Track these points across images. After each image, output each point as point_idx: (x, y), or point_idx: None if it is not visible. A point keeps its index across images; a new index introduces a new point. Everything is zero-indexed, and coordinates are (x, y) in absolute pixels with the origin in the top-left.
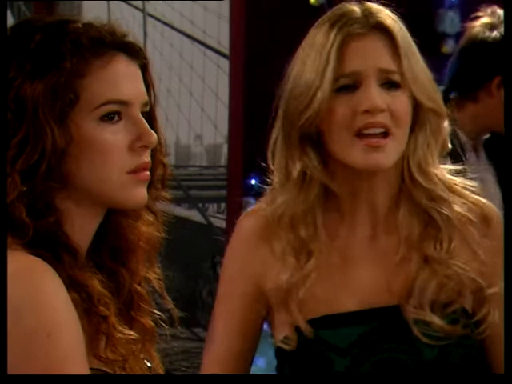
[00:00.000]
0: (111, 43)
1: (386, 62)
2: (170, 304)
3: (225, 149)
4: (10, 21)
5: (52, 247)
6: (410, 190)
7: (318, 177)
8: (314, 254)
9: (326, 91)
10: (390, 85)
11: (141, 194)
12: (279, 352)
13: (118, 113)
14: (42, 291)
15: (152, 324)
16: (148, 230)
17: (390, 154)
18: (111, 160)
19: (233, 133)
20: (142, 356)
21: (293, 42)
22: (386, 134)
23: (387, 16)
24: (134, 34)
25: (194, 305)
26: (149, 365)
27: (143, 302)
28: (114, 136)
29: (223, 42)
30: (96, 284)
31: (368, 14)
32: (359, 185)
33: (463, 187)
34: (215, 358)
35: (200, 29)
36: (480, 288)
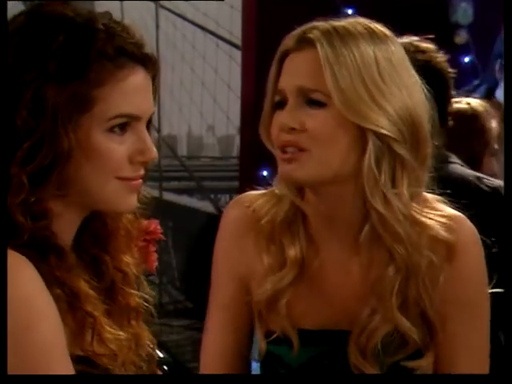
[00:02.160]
0: (132, 55)
1: (306, 80)
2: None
3: (237, 140)
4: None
5: (39, 247)
6: (371, 215)
7: (282, 190)
8: (292, 266)
9: (266, 106)
10: (313, 103)
11: (132, 200)
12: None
13: (126, 124)
14: (19, 285)
15: (137, 301)
16: (127, 222)
17: (303, 168)
18: (112, 168)
19: (245, 124)
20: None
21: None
22: (303, 150)
23: (322, 30)
24: (147, 26)
25: (205, 296)
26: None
27: (125, 284)
28: (119, 146)
29: (235, 33)
30: (82, 285)
31: (307, 30)
32: (313, 200)
33: (434, 213)
34: (212, 351)
35: (212, 20)
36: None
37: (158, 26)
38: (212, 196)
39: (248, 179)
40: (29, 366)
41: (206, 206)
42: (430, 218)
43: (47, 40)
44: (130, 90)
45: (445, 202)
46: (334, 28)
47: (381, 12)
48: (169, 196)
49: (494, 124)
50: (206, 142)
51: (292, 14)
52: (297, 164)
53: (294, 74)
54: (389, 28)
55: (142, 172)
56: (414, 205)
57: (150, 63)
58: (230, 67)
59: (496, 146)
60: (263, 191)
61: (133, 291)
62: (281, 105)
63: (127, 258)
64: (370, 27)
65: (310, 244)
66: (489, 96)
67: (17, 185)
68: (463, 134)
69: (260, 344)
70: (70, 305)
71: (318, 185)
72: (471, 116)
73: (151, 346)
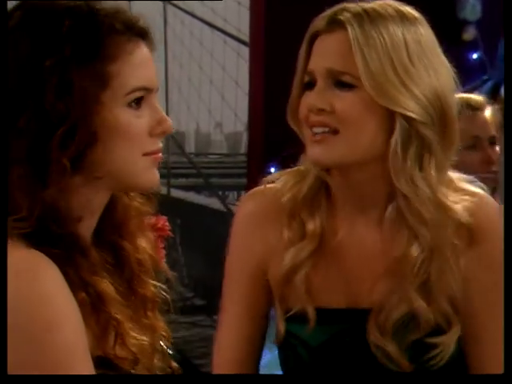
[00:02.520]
0: (135, 29)
1: (335, 62)
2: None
3: (245, 137)
4: None
5: (65, 247)
6: (397, 195)
7: (310, 167)
8: (311, 238)
9: (295, 86)
10: (342, 85)
11: (156, 175)
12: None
13: (142, 98)
14: (41, 286)
15: (153, 291)
16: (137, 205)
17: (333, 150)
18: (135, 144)
19: (253, 121)
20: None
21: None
22: (334, 131)
23: (353, 12)
24: (155, 21)
25: (214, 292)
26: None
27: (143, 272)
28: (138, 120)
29: (243, 29)
30: (107, 287)
31: (337, 12)
32: (340, 180)
33: (458, 195)
34: (226, 343)
35: (220, 17)
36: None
37: (166, 23)
38: (220, 193)
39: (256, 176)
40: (51, 367)
41: (214, 203)
42: (455, 202)
43: (54, 27)
44: (140, 63)
45: (469, 182)
46: (364, 10)
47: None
48: (177, 193)
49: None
50: (214, 139)
51: (300, 10)
52: (326, 146)
53: (324, 55)
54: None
55: (160, 145)
56: (440, 187)
57: (149, 37)
58: (237, 64)
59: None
60: (288, 170)
61: (150, 280)
62: (310, 86)
63: (143, 243)
64: (399, 9)
65: (331, 220)
66: (495, 92)
67: (58, 171)
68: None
69: (278, 325)
70: (93, 307)
71: (346, 167)
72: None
73: (167, 337)
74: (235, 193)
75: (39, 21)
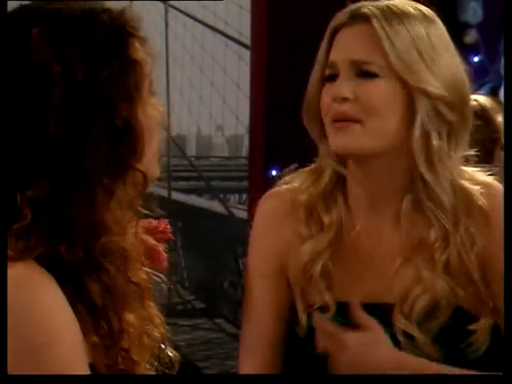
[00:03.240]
0: (136, 26)
1: (359, 53)
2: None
3: (246, 140)
4: None
5: (77, 277)
6: (415, 183)
7: (326, 162)
8: (328, 229)
9: (314, 79)
10: (365, 75)
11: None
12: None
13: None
14: (38, 300)
15: (143, 278)
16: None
17: (357, 138)
18: (157, 140)
19: (254, 124)
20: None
21: (314, 32)
22: (357, 121)
23: (376, 7)
24: (156, 24)
25: (216, 296)
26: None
27: (134, 261)
28: (155, 111)
29: (245, 32)
30: (129, 321)
31: (360, 6)
32: (357, 172)
33: (475, 185)
34: (252, 342)
35: (222, 20)
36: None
37: (167, 26)
38: (221, 196)
39: (257, 179)
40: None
41: (215, 206)
42: (470, 185)
43: (97, 39)
44: (147, 58)
45: (478, 171)
46: (386, 6)
47: None
48: (178, 196)
49: (500, 118)
50: (215, 142)
51: (301, 13)
52: (349, 135)
53: (347, 48)
54: None
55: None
56: (456, 170)
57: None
58: (239, 67)
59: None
60: (303, 169)
61: (141, 268)
62: (331, 78)
63: (130, 229)
64: (418, 8)
65: (348, 214)
66: (493, 94)
67: (136, 177)
68: (473, 130)
69: (301, 319)
70: (93, 323)
71: (366, 157)
72: (479, 112)
73: (161, 324)
74: (236, 196)
75: (79, 34)
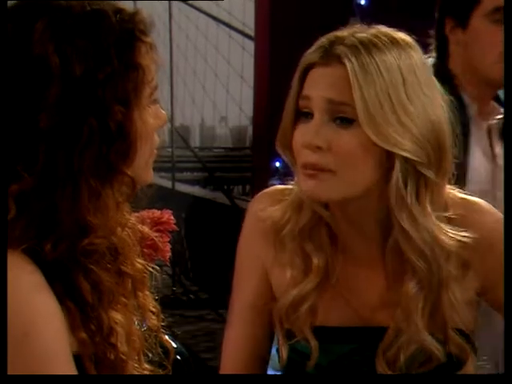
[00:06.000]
0: (145, 31)
1: (335, 93)
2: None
3: (250, 130)
4: None
5: (72, 289)
6: (395, 229)
7: (306, 200)
8: (316, 273)
9: (288, 111)
10: (341, 120)
11: (152, 170)
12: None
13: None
14: (17, 289)
15: (140, 269)
16: None
17: (327, 187)
18: (152, 141)
19: (258, 114)
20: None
21: (317, 24)
22: (328, 171)
23: (350, 44)
24: (160, 16)
25: (219, 286)
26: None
27: (128, 251)
28: (153, 118)
29: (248, 23)
30: (116, 319)
31: (332, 44)
32: (338, 214)
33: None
34: (233, 344)
35: (225, 10)
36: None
37: (171, 17)
38: (225, 187)
39: (261, 170)
40: (31, 371)
41: (219, 197)
42: (451, 236)
43: (99, 37)
44: (152, 61)
45: (460, 191)
46: (360, 42)
47: (393, 2)
48: (181, 187)
49: None
50: (219, 133)
51: (305, 5)
52: (320, 183)
53: (321, 86)
54: (401, 19)
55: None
56: (435, 221)
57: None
58: (242, 58)
59: None
60: (282, 192)
61: (136, 258)
62: (306, 115)
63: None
64: (393, 37)
65: (334, 251)
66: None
67: (122, 180)
68: None
69: (281, 350)
70: (82, 318)
71: (341, 202)
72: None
73: (156, 313)
74: (240, 187)
75: (84, 31)
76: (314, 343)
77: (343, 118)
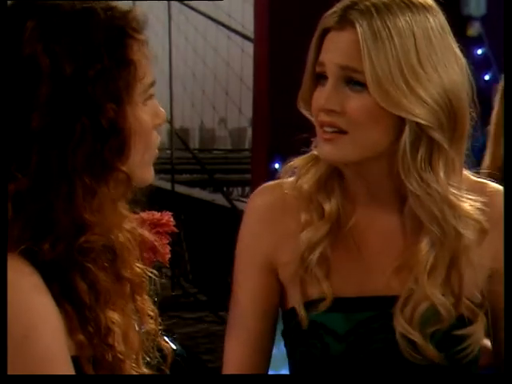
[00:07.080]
0: (138, 28)
1: (348, 58)
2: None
3: (249, 132)
4: None
5: (69, 290)
6: (407, 193)
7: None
8: (327, 218)
9: (306, 77)
10: (353, 83)
11: (152, 170)
12: (285, 332)
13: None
14: (16, 291)
15: (139, 273)
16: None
17: (342, 149)
18: (154, 142)
19: (257, 116)
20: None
21: (317, 26)
22: (345, 132)
23: (364, 10)
24: (159, 17)
25: (218, 288)
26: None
27: (127, 255)
28: (148, 116)
29: (248, 25)
30: (113, 319)
31: (348, 6)
32: (354, 172)
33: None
34: (236, 340)
35: (224, 12)
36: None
37: (170, 19)
38: (224, 189)
39: (260, 172)
40: (30, 372)
41: (218, 199)
42: (466, 200)
43: (89, 35)
44: (148, 59)
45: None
46: (373, 5)
47: None
48: (181, 189)
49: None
50: (218, 135)
51: (304, 6)
52: (335, 145)
53: (335, 52)
54: None
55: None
56: (450, 187)
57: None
58: (242, 60)
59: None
60: (282, 186)
61: (135, 262)
62: (322, 78)
63: (126, 225)
64: (410, 0)
65: (347, 204)
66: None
67: (117, 178)
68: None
69: (300, 314)
70: (80, 320)
71: (355, 164)
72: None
73: (154, 317)
74: (239, 188)
75: (73, 30)
76: (328, 290)
77: (356, 82)
